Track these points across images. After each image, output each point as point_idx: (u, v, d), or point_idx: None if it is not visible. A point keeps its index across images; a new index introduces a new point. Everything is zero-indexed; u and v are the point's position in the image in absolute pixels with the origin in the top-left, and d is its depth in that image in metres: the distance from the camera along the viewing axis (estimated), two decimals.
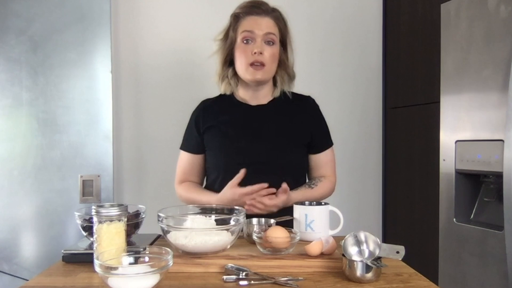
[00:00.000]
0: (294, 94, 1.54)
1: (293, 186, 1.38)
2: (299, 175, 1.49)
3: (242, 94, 1.50)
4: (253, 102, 1.49)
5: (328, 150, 1.51)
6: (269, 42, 1.41)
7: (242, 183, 1.31)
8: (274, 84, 1.51)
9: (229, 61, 1.48)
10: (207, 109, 1.52)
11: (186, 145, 1.53)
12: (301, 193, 1.39)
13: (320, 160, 1.50)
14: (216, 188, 1.45)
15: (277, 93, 1.50)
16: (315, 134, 1.49)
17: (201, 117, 1.50)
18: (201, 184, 1.56)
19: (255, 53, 1.38)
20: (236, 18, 1.44)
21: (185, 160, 1.53)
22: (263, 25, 1.40)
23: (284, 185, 1.30)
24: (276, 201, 1.30)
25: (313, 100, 1.55)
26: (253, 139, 1.43)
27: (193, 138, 1.51)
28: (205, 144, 1.48)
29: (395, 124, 2.33)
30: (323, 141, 1.51)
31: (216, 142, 1.46)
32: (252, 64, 1.40)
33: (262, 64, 1.40)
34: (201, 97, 1.58)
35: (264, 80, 1.44)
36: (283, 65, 1.48)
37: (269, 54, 1.40)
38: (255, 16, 1.41)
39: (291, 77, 1.51)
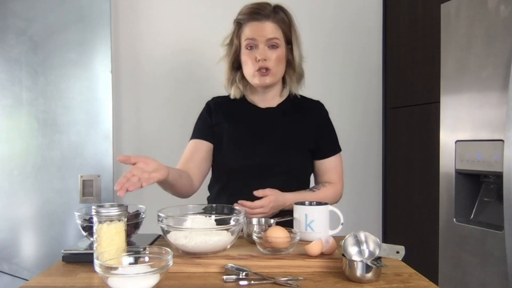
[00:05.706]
0: (304, 98, 1.53)
1: (295, 190, 1.38)
2: (302, 180, 1.48)
3: (252, 97, 1.50)
4: (262, 104, 1.49)
5: (333, 157, 1.49)
6: (273, 46, 1.39)
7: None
8: (283, 84, 1.50)
9: (236, 66, 1.47)
10: (218, 105, 1.51)
11: (196, 134, 1.48)
12: (301, 195, 1.36)
13: (325, 166, 1.49)
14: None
15: (286, 94, 1.49)
16: (320, 140, 1.48)
17: (213, 110, 1.49)
18: (200, 177, 1.46)
19: (259, 60, 1.38)
20: (238, 25, 1.44)
21: (190, 148, 1.46)
22: (264, 31, 1.38)
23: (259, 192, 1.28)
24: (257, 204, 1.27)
25: (322, 106, 1.55)
26: (258, 142, 1.43)
27: (205, 125, 1.48)
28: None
29: (395, 124, 2.33)
30: (328, 147, 1.50)
31: (222, 141, 1.46)
32: (258, 70, 1.40)
33: (268, 69, 1.39)
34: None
35: (272, 83, 1.44)
36: (291, 65, 1.46)
37: (274, 57, 1.39)
38: (256, 22, 1.39)
39: (300, 75, 1.49)
